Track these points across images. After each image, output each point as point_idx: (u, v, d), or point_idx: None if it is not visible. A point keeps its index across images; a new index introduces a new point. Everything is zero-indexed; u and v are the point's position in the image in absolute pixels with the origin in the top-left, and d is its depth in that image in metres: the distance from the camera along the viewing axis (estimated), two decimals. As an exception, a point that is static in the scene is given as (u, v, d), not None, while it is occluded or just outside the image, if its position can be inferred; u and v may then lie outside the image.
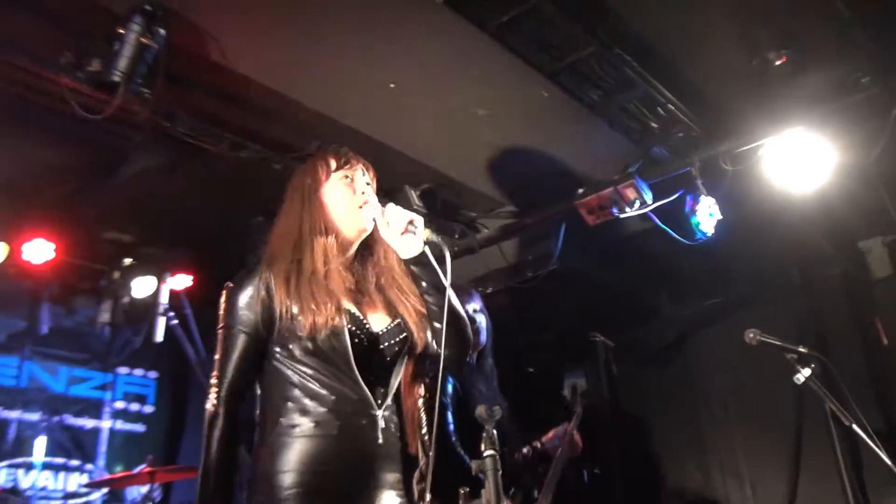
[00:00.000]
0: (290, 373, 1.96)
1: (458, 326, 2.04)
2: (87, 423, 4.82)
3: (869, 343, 4.30)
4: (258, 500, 1.89)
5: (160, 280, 4.57)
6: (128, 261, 4.67)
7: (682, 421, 4.91)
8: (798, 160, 3.61)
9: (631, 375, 5.00)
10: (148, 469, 3.83)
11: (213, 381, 1.93)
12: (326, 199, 2.11)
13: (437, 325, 2.04)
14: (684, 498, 4.81)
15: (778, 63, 3.41)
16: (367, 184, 2.15)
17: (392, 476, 2.00)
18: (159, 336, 4.50)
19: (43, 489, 4.43)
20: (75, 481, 4.63)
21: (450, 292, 2.00)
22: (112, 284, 4.75)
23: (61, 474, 4.59)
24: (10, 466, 4.36)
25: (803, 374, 3.11)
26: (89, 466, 4.68)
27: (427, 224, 2.01)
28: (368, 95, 3.40)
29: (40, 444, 4.26)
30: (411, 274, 2.06)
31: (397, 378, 2.08)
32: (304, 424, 1.92)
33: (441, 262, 1.98)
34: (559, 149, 3.89)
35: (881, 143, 3.64)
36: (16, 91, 3.06)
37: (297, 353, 1.96)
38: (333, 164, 2.15)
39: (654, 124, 3.63)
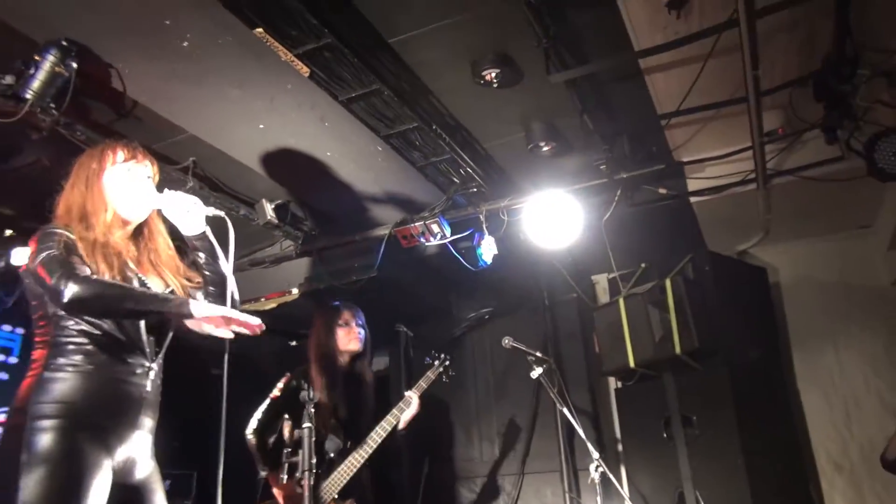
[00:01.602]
0: (71, 320, 1.88)
1: (223, 291, 2.09)
2: None
3: (588, 350, 4.95)
4: (13, 427, 1.80)
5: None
6: (8, 232, 4.48)
7: (458, 398, 5.27)
8: (552, 217, 4.12)
9: (424, 359, 5.39)
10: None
11: (67, 265, 1.83)
12: (107, 184, 2.07)
13: (211, 288, 2.09)
14: (452, 456, 5.19)
15: (546, 149, 3.89)
16: (148, 177, 2.14)
17: (150, 422, 1.98)
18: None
19: None
20: (-63, 419, 4.36)
21: (222, 260, 2.05)
22: (-11, 252, 4.53)
23: (-77, 413, 4.29)
24: None
25: (537, 371, 3.69)
26: (-48, 407, 4.39)
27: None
28: (240, 130, 3.53)
29: None
30: (190, 246, 2.10)
31: (168, 338, 2.08)
32: (83, 365, 1.84)
33: (226, 232, 2.04)
34: (386, 188, 4.17)
35: (608, 212, 4.31)
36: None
37: None
38: (121, 155, 2.12)
39: (456, 180, 3.97)
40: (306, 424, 2.06)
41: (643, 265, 4.72)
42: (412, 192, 4.22)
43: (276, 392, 3.30)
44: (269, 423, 3.20)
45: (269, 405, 3.27)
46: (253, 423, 3.26)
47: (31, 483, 1.70)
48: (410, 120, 3.38)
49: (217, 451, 1.89)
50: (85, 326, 1.89)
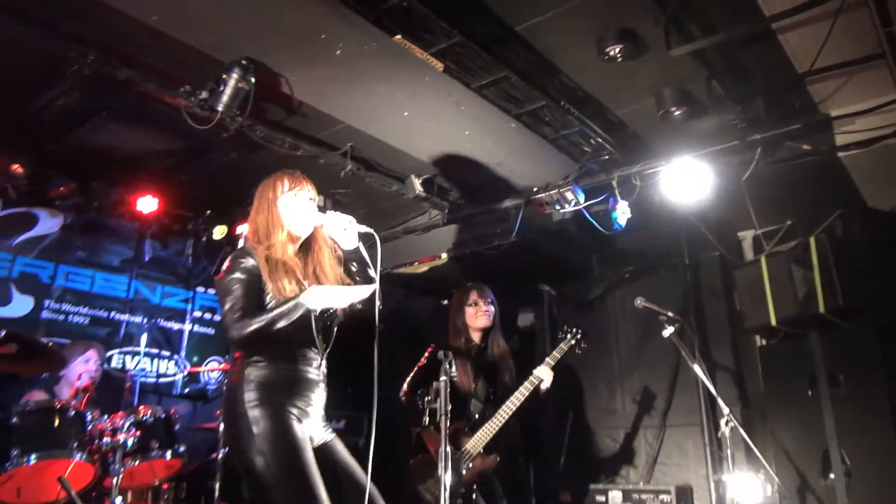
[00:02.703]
0: None
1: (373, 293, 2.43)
2: (175, 325, 5.45)
3: (732, 308, 4.95)
4: (231, 414, 2.28)
5: (231, 227, 5.15)
6: (209, 212, 5.37)
7: (600, 353, 5.42)
8: (688, 180, 4.23)
9: (567, 317, 5.54)
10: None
11: (238, 309, 2.26)
12: (280, 209, 2.48)
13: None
14: (595, 407, 5.45)
15: (678, 113, 3.93)
16: (311, 199, 2.53)
17: (323, 401, 2.44)
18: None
19: (143, 370, 5.08)
20: (165, 366, 5.34)
21: (372, 272, 2.46)
22: (196, 228, 5.42)
23: (156, 360, 5.26)
24: (120, 353, 5.06)
25: (668, 330, 3.86)
26: (175, 356, 5.38)
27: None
28: (388, 118, 4.00)
29: (143, 339, 4.76)
30: (343, 258, 2.51)
31: (333, 336, 2.50)
32: (273, 361, 2.32)
33: (374, 245, 2.42)
34: (522, 160, 4.46)
35: (747, 171, 4.28)
36: (147, 103, 3.69)
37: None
38: (287, 184, 2.52)
39: (587, 149, 4.18)
40: (443, 378, 2.49)
41: (788, 222, 4.64)
42: (547, 161, 4.46)
43: (422, 360, 3.80)
44: (417, 387, 3.71)
45: (417, 372, 3.77)
46: (404, 387, 3.79)
47: (265, 450, 2.20)
48: (539, 99, 3.64)
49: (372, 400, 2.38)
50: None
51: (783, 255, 4.36)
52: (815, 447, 4.19)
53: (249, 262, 2.37)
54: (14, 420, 3.12)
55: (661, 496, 4.60)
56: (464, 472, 3.59)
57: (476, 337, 3.95)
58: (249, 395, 2.28)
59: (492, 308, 3.95)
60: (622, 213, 4.41)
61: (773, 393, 4.65)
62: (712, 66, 3.51)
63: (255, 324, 2.26)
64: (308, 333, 2.39)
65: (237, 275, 2.34)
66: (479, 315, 3.91)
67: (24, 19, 3.03)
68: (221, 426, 3.84)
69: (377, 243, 2.41)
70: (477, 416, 3.79)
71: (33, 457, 3.02)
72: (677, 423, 5.01)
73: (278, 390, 2.31)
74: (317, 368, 2.43)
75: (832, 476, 4.07)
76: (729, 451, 3.58)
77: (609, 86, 3.86)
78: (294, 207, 2.51)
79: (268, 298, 2.35)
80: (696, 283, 5.17)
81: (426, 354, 3.80)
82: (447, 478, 2.44)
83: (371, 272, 2.48)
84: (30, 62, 3.39)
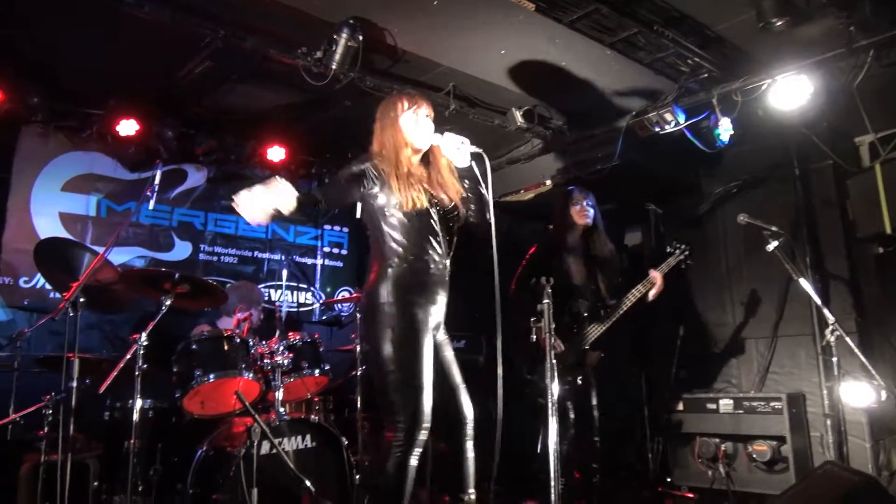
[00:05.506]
0: (392, 231, 2.61)
1: (482, 207, 2.73)
2: (308, 260, 6.02)
3: (846, 217, 4.84)
4: (368, 306, 2.60)
5: (352, 168, 5.65)
6: (328, 155, 5.85)
7: (709, 267, 5.50)
8: (791, 94, 4.17)
9: (674, 234, 5.61)
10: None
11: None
12: (402, 126, 2.71)
13: (472, 205, 2.76)
14: (705, 320, 5.57)
15: (779, 24, 3.89)
16: (427, 116, 2.76)
17: (445, 298, 2.71)
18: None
19: (285, 301, 5.77)
20: (303, 296, 5.97)
21: (482, 187, 2.69)
22: (319, 171, 5.95)
23: (296, 292, 5.91)
24: (265, 287, 5.71)
25: (772, 244, 3.94)
26: (311, 288, 6.01)
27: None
28: (486, 57, 4.23)
29: (284, 273, 5.41)
30: (456, 173, 2.75)
31: (454, 237, 2.77)
32: (403, 264, 2.58)
33: (484, 163, 2.64)
34: (619, 85, 4.54)
35: (858, 77, 4.15)
36: (269, 66, 4.13)
37: (398, 218, 2.60)
38: (407, 104, 2.75)
39: (684, 69, 4.22)
40: (546, 301, 2.81)
41: (907, 125, 4.45)
42: (647, 84, 4.52)
43: (527, 257, 4.18)
44: (524, 282, 4.07)
45: (523, 268, 4.17)
46: (513, 282, 4.18)
47: (389, 336, 2.57)
48: (630, 27, 3.71)
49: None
50: (399, 238, 2.68)
51: (900, 160, 4.23)
52: (932, 352, 4.17)
53: (371, 163, 2.69)
54: (193, 346, 3.78)
55: (773, 403, 4.73)
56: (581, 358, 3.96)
57: (579, 234, 4.22)
58: (384, 292, 2.62)
59: (591, 210, 4.19)
60: (725, 129, 4.44)
61: (889, 300, 4.60)
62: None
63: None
64: (434, 235, 2.71)
65: (356, 162, 2.70)
66: (581, 214, 4.17)
67: (163, 4, 3.50)
68: (358, 348, 4.37)
69: (486, 162, 2.64)
70: (585, 313, 4.10)
71: (212, 376, 3.68)
72: (789, 332, 5.06)
73: (409, 288, 2.62)
74: (442, 269, 2.72)
75: (950, 380, 4.07)
76: (835, 360, 3.68)
77: (705, 2, 3.84)
78: (414, 124, 2.78)
79: (395, 204, 2.64)
80: (807, 193, 5.06)
81: (531, 251, 4.18)
82: (554, 386, 2.79)
83: (482, 188, 2.74)
84: (171, 39, 3.87)
